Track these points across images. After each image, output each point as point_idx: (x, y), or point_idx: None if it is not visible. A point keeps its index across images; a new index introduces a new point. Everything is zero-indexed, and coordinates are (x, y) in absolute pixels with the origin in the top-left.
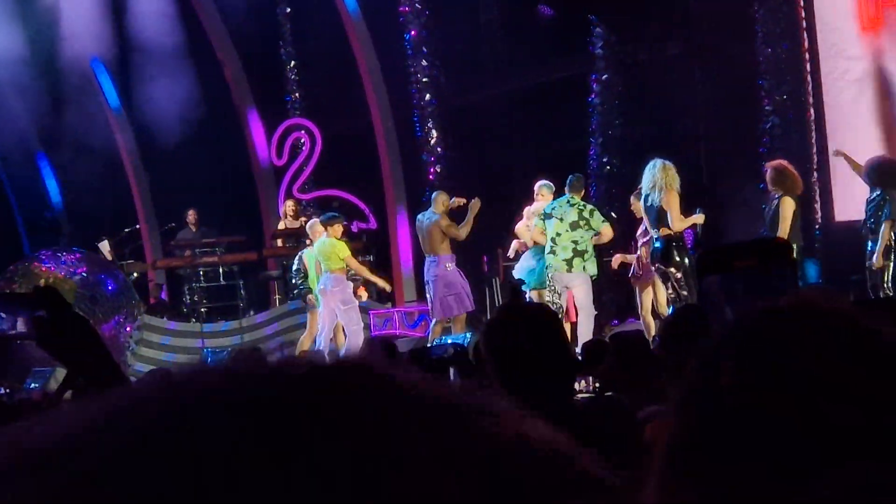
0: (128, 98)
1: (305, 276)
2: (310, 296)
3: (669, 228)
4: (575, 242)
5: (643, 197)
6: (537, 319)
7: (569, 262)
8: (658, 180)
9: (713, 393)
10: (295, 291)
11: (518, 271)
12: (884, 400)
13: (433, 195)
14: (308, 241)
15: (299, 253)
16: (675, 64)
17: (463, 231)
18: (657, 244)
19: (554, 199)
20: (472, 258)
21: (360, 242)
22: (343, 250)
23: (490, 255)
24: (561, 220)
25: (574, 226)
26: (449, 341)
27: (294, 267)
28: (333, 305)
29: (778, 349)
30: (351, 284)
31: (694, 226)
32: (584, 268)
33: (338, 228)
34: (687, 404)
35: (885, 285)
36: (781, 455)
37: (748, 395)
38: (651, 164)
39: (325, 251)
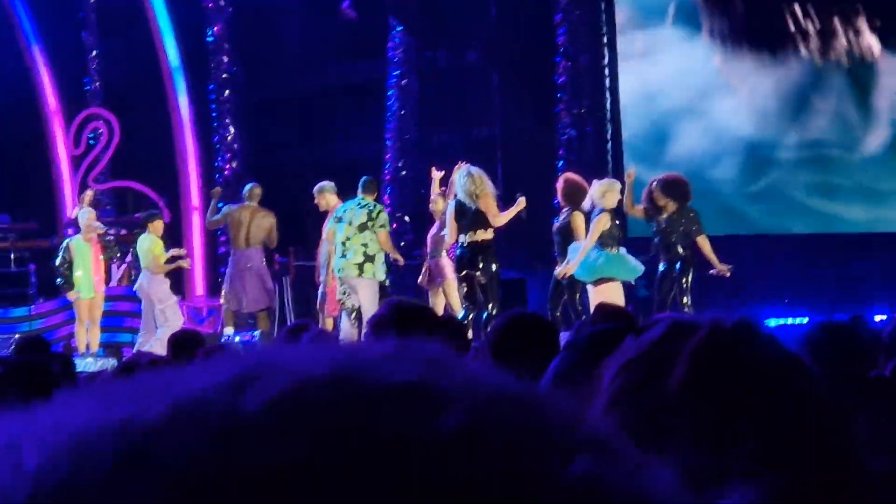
0: None
1: (70, 267)
2: (70, 292)
3: (483, 232)
4: (365, 246)
5: (455, 202)
6: None
7: (360, 267)
8: (469, 188)
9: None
10: (60, 281)
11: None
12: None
13: (248, 187)
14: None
15: (66, 243)
16: (474, 71)
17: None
18: (465, 249)
19: (343, 201)
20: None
21: None
22: (158, 248)
23: (282, 254)
24: (350, 223)
25: (362, 227)
26: (237, 339)
27: (59, 258)
28: (148, 303)
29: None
30: (167, 282)
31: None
32: (374, 273)
33: (158, 225)
34: (630, 394)
35: (684, 301)
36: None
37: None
38: (460, 172)
39: (144, 248)
